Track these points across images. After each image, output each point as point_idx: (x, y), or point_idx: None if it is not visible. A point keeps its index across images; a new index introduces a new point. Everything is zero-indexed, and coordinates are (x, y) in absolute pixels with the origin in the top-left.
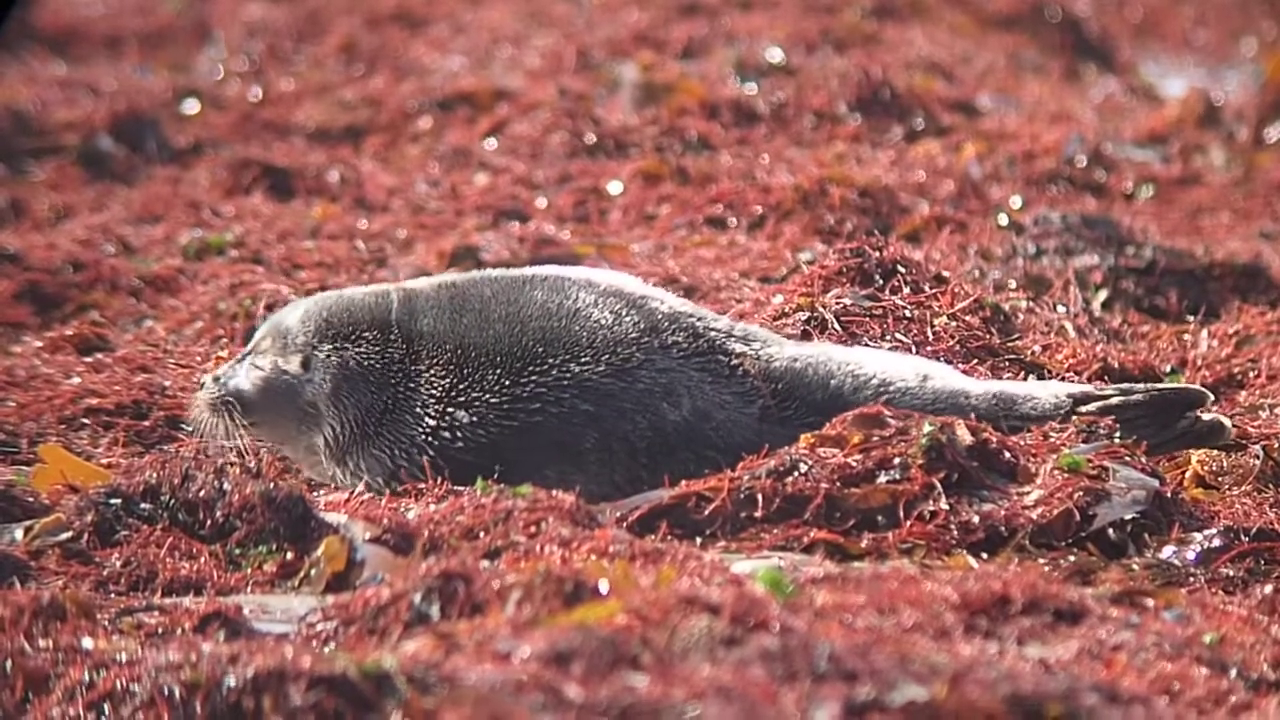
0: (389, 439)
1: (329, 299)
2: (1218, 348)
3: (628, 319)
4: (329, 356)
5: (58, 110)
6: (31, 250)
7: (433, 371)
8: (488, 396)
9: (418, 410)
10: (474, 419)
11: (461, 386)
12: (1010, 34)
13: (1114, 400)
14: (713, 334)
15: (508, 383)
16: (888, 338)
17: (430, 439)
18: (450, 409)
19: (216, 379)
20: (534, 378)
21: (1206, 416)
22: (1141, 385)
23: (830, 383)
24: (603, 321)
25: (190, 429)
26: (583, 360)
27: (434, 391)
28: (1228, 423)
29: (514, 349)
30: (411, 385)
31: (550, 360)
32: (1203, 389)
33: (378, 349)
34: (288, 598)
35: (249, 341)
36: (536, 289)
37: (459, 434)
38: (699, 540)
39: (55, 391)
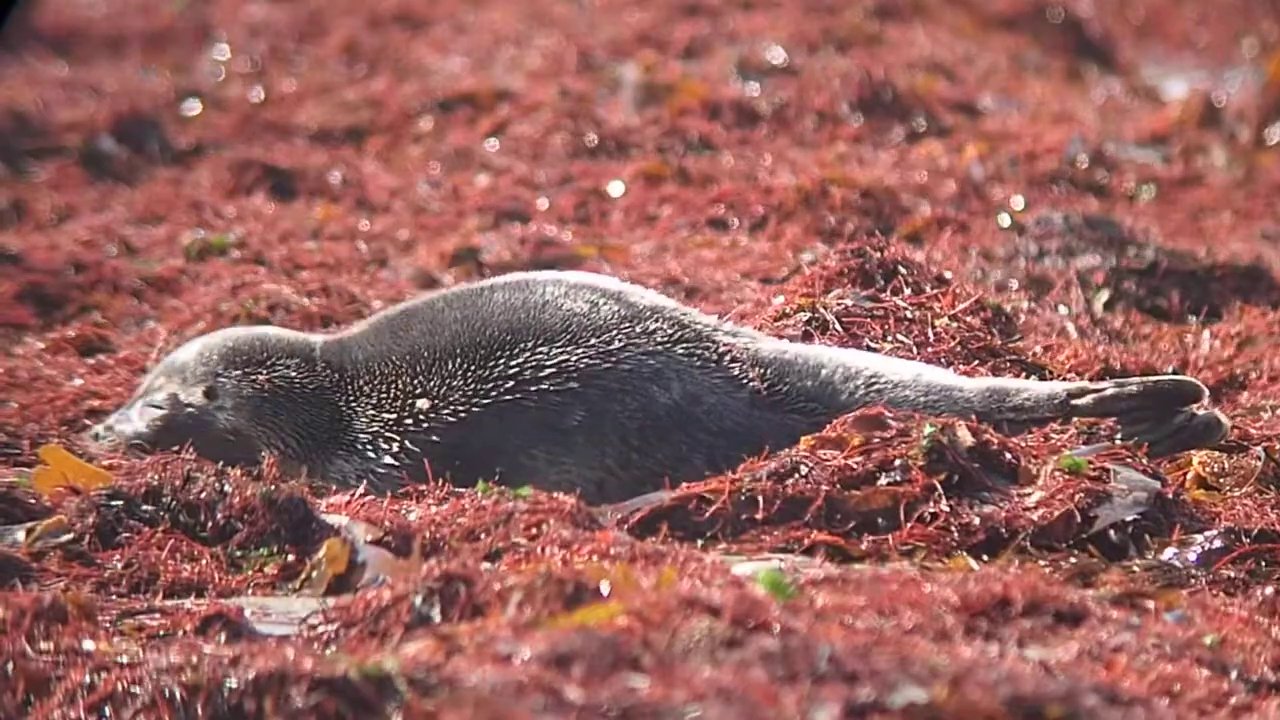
0: (348, 439)
1: (232, 333)
2: (1219, 349)
3: (605, 307)
4: (239, 383)
5: (59, 111)
6: (33, 251)
7: (379, 381)
8: (451, 382)
9: (371, 412)
10: (435, 403)
11: (417, 381)
12: (1012, 35)
13: (1108, 393)
14: (698, 325)
15: (472, 368)
16: (889, 339)
17: (395, 428)
18: (410, 401)
19: (109, 428)
20: (502, 361)
21: (1202, 412)
22: (1136, 379)
23: (821, 372)
24: (577, 310)
25: None
26: (559, 344)
27: (388, 394)
28: (1225, 419)
29: (476, 341)
30: (354, 398)
31: (521, 346)
32: (1198, 382)
33: (302, 373)
34: (289, 600)
35: (136, 390)
36: (497, 292)
37: (421, 419)
38: (700, 542)
39: (57, 393)
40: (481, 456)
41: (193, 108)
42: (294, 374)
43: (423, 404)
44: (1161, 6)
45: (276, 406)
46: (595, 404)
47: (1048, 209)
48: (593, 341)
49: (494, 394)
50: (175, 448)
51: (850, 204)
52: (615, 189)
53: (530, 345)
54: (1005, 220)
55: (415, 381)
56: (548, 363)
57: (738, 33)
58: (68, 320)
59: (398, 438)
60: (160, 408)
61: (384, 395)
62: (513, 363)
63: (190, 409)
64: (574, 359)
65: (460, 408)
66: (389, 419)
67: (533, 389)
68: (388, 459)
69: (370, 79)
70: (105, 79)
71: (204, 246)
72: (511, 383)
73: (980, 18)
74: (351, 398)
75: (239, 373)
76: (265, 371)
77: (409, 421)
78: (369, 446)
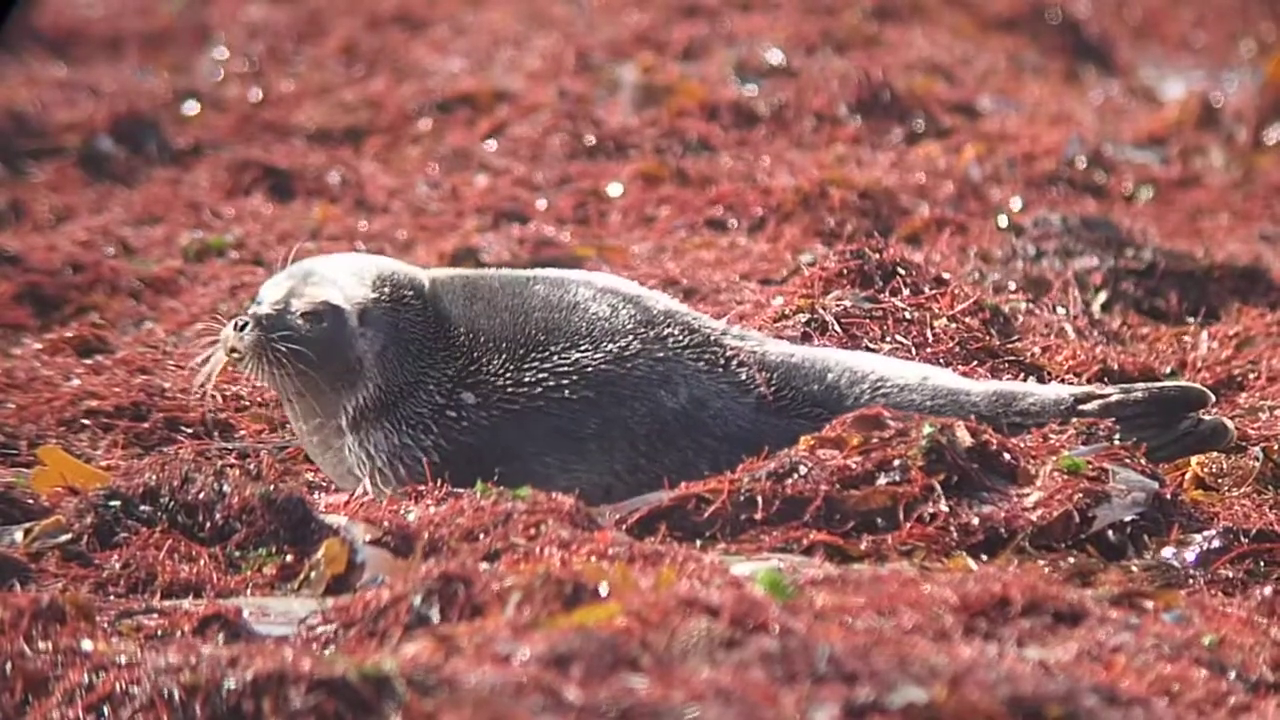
0: (401, 414)
1: (377, 260)
2: (1217, 349)
3: (624, 312)
4: (384, 315)
5: (58, 111)
6: (31, 252)
7: (446, 352)
8: (493, 380)
9: (430, 387)
10: (479, 400)
11: (471, 369)
12: (1010, 36)
13: (1114, 399)
14: (708, 329)
15: (511, 368)
16: (888, 339)
17: (436, 417)
18: (459, 390)
19: (259, 320)
20: (536, 363)
21: (1208, 418)
22: (1142, 384)
23: (827, 376)
24: (600, 314)
25: (203, 370)
26: (582, 348)
27: (447, 371)
28: (1230, 425)
29: (518, 336)
30: (429, 362)
31: (551, 348)
32: (1204, 388)
33: (420, 319)
34: (287, 600)
35: (272, 290)
36: (538, 284)
37: (463, 414)
38: (698, 542)
39: (55, 394)
40: (498, 462)
41: (191, 108)
42: (415, 319)
43: (469, 398)
44: (1159, 8)
45: (397, 349)
46: (608, 410)
47: (1046, 210)
48: (610, 347)
49: (523, 399)
50: (319, 359)
51: (849, 205)
52: (614, 190)
53: (559, 349)
54: (1003, 221)
55: (469, 369)
56: (570, 368)
57: (736, 34)
58: (65, 321)
59: (437, 429)
60: (321, 317)
61: (444, 371)
62: (544, 366)
63: (347, 327)
64: (592, 365)
65: (495, 410)
66: (439, 403)
67: (555, 396)
68: (418, 452)
69: (369, 79)
70: (104, 80)
71: (202, 247)
72: (540, 389)
73: (979, 19)
74: (429, 359)
75: (388, 304)
76: (403, 311)
77: (451, 414)
78: (409, 432)
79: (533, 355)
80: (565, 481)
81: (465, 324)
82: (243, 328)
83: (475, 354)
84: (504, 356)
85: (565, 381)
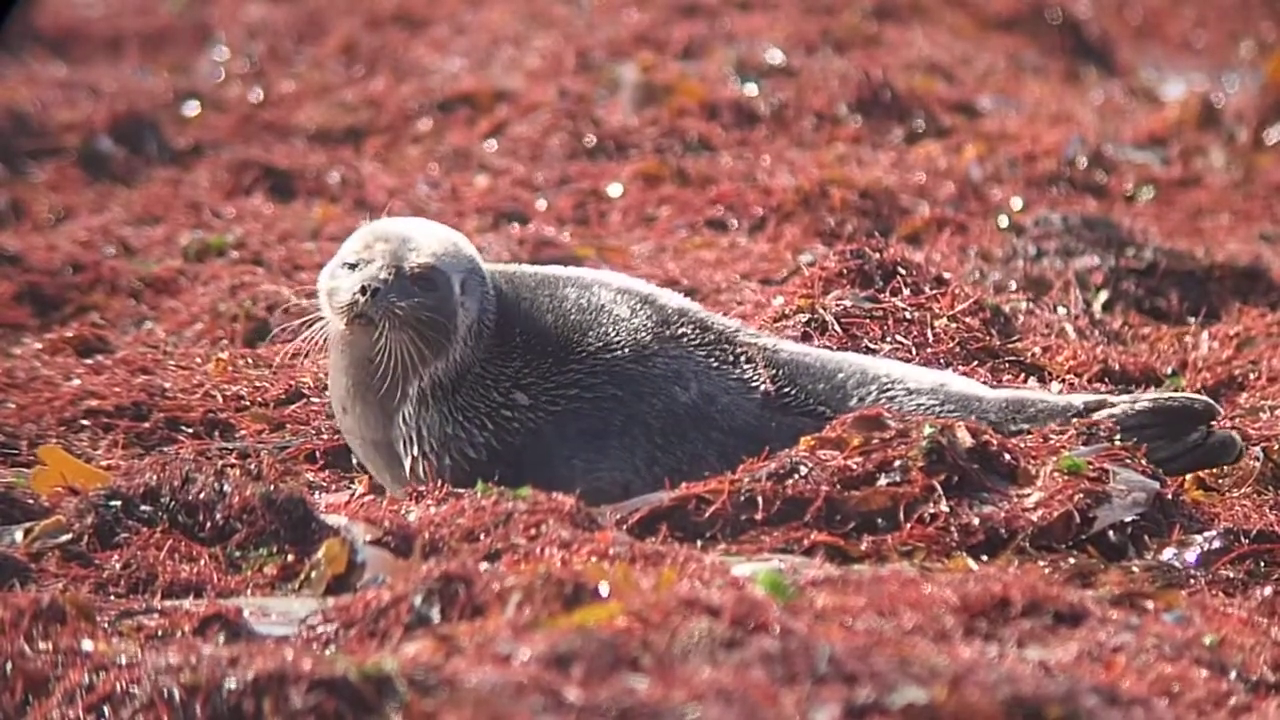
0: (459, 402)
1: (452, 232)
2: (1218, 349)
3: (642, 312)
4: (476, 288)
5: (58, 111)
6: (31, 252)
7: (504, 349)
8: (541, 382)
9: (489, 382)
10: (530, 401)
11: (525, 370)
12: (1010, 35)
13: (1119, 409)
14: (719, 327)
15: (555, 370)
16: (888, 339)
17: (493, 414)
18: (515, 391)
19: (386, 286)
20: (573, 365)
21: (1218, 431)
22: (1149, 395)
23: (836, 375)
24: (622, 315)
25: (307, 336)
26: (610, 349)
27: (505, 369)
28: (1239, 439)
29: (559, 338)
30: (492, 352)
31: (585, 350)
32: (1210, 401)
33: (491, 304)
34: (288, 600)
35: (370, 253)
36: (569, 287)
37: (515, 414)
38: (699, 543)
39: (55, 393)
40: (533, 464)
41: (191, 108)
42: (491, 306)
43: (522, 398)
44: (1160, 8)
45: (478, 330)
46: (631, 407)
47: (1046, 210)
48: (632, 346)
49: (562, 400)
50: (425, 326)
51: (849, 205)
52: (614, 189)
53: (591, 350)
54: (1004, 221)
55: (524, 370)
56: (601, 369)
57: (736, 33)
58: (66, 320)
59: (492, 426)
60: (434, 283)
61: (503, 369)
62: (580, 368)
63: (454, 297)
64: (619, 365)
65: (540, 412)
66: (496, 401)
67: (588, 396)
68: (468, 447)
69: (369, 79)
70: (104, 79)
71: (202, 247)
72: (575, 389)
73: (979, 19)
74: (493, 352)
75: (479, 279)
76: (485, 291)
77: (506, 413)
78: (464, 423)
79: (571, 357)
80: (588, 482)
81: (519, 323)
82: (373, 293)
83: (528, 355)
84: (550, 359)
85: (596, 381)
